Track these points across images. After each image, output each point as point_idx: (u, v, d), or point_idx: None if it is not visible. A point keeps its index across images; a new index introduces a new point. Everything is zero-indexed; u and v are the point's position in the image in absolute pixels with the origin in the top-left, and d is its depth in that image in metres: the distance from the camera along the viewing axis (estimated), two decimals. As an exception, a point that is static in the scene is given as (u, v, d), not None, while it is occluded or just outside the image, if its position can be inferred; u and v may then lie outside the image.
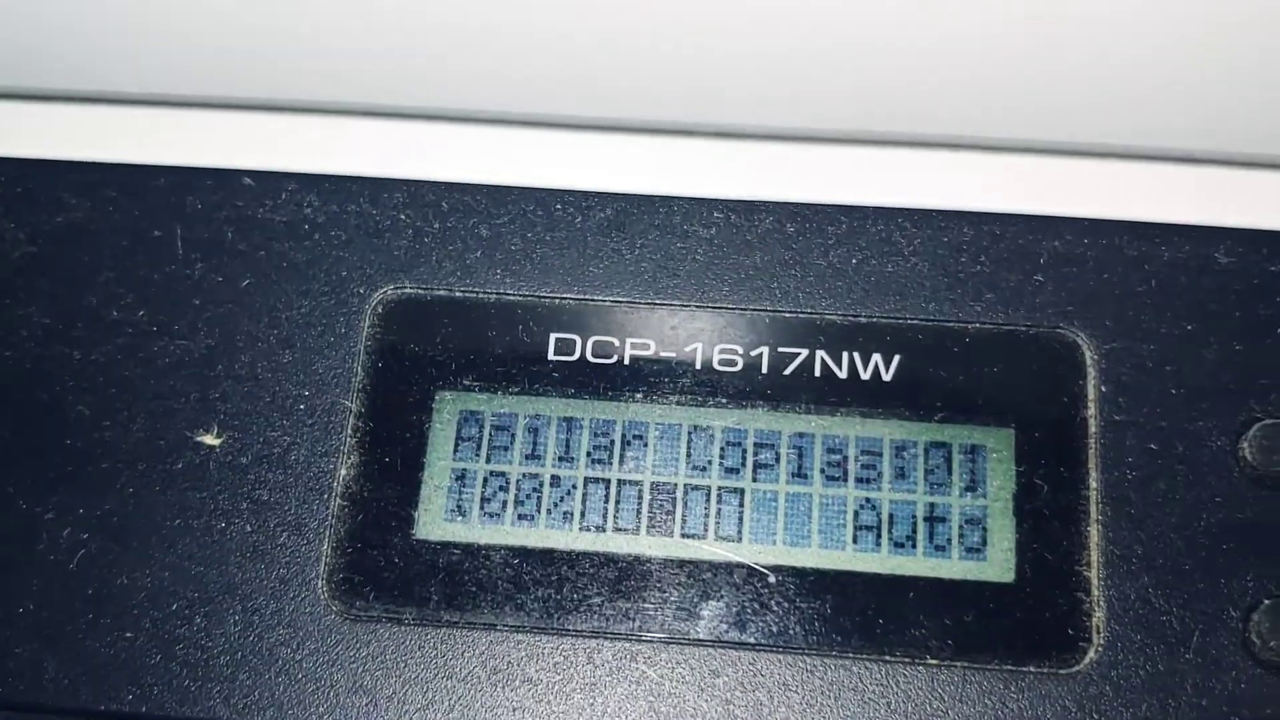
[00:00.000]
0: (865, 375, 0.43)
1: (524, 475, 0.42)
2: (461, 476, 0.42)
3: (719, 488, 0.41)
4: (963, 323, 0.43)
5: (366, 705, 0.39)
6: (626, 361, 0.43)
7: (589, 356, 0.43)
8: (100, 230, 0.45)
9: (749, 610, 0.40)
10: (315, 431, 0.42)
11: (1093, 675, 0.39)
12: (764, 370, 0.43)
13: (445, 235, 0.44)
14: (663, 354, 0.43)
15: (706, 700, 0.39)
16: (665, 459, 0.42)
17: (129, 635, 0.40)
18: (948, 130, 0.45)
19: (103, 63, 0.46)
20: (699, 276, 0.44)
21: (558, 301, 0.44)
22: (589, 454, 0.42)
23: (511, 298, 0.44)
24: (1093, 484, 0.41)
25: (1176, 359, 0.42)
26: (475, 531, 0.41)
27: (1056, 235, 0.44)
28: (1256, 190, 0.45)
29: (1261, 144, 0.44)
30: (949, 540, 0.41)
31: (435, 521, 0.41)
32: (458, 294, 0.44)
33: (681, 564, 0.41)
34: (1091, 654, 0.39)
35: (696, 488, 0.41)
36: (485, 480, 0.42)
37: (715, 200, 0.45)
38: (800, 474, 0.41)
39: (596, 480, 0.42)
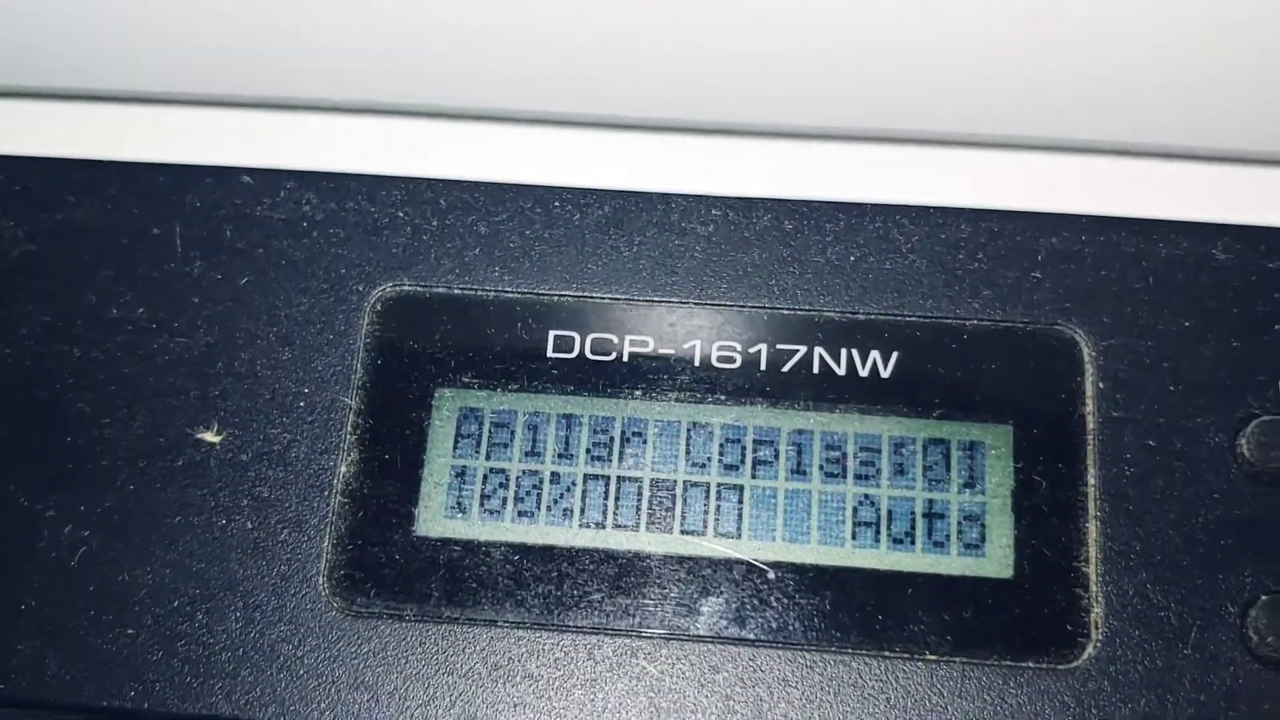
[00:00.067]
0: (864, 372, 0.43)
1: (524, 472, 0.42)
2: (461, 473, 0.42)
3: (718, 484, 0.42)
4: (961, 319, 0.43)
5: (368, 701, 0.40)
6: (625, 358, 0.43)
7: (588, 353, 0.43)
8: (100, 228, 0.45)
9: (748, 606, 0.40)
10: (315, 428, 0.42)
11: (1091, 670, 0.39)
12: (763, 367, 0.43)
13: (444, 232, 0.45)
14: (661, 351, 0.43)
15: (706, 696, 0.39)
16: (664, 456, 0.42)
17: (130, 632, 0.40)
18: (945, 127, 0.45)
19: (102, 61, 0.46)
20: (697, 273, 0.44)
21: (556, 298, 0.44)
22: (588, 451, 0.42)
23: (510, 295, 0.44)
24: (1091, 480, 0.41)
25: (1174, 355, 0.42)
26: (475, 528, 0.41)
27: (1054, 232, 0.44)
28: (1254, 187, 0.45)
29: (1259, 140, 0.45)
30: (948, 536, 0.41)
31: (435, 518, 0.41)
32: (456, 291, 0.44)
33: (681, 560, 0.41)
34: (1090, 649, 0.40)
35: (696, 484, 0.42)
36: (485, 477, 0.42)
37: (713, 197, 0.45)
38: (799, 470, 0.42)
39: (596, 477, 0.42)
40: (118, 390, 0.43)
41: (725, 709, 0.39)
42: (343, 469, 0.42)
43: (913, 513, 0.41)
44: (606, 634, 0.40)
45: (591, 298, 0.44)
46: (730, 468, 0.42)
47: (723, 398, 0.42)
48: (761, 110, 0.45)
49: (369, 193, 0.45)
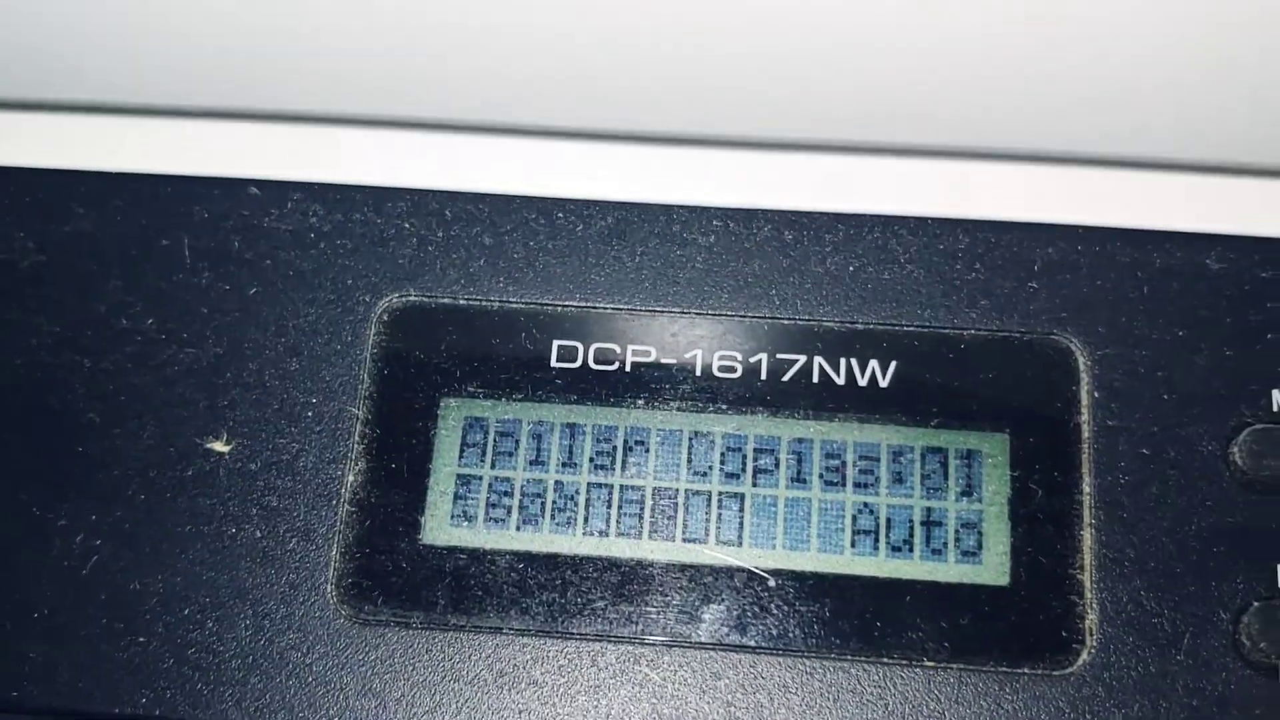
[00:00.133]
0: (863, 381, 0.43)
1: (528, 481, 0.42)
2: (467, 482, 0.42)
3: (719, 493, 0.42)
4: (958, 329, 0.44)
5: (375, 708, 0.40)
6: (628, 368, 0.44)
7: (591, 363, 0.44)
8: (108, 239, 0.45)
9: (749, 613, 0.41)
10: (323, 438, 0.43)
11: (1086, 676, 0.40)
12: (763, 376, 0.43)
13: (449, 244, 0.45)
14: (663, 360, 0.44)
15: (708, 702, 0.40)
16: (667, 464, 0.42)
17: (141, 640, 0.41)
18: (943, 140, 0.45)
19: (110, 74, 0.46)
20: (699, 283, 0.44)
21: (560, 309, 0.44)
22: (592, 460, 0.42)
23: (515, 305, 0.44)
24: (1086, 488, 0.42)
25: (1168, 364, 0.43)
26: (481, 536, 0.42)
27: (1050, 242, 0.44)
28: (1248, 197, 0.46)
29: (1253, 152, 0.45)
30: (945, 544, 0.41)
31: (441, 527, 0.42)
32: (462, 302, 0.44)
33: (683, 568, 0.41)
34: (1085, 656, 0.40)
35: (697, 493, 0.42)
36: (490, 486, 0.42)
37: (714, 208, 0.45)
38: (799, 479, 0.42)
39: (599, 485, 0.42)
40: (127, 400, 0.43)
41: (726, 715, 0.40)
42: (350, 478, 0.42)
43: (911, 520, 0.42)
44: (610, 641, 0.41)
45: (595, 308, 0.44)
46: (731, 476, 0.42)
47: (724, 407, 0.43)
48: (761, 122, 0.46)
49: (375, 204, 0.46)
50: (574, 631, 0.41)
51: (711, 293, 0.44)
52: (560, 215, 0.45)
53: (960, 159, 0.46)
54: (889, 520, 0.42)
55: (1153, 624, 0.40)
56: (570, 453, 0.43)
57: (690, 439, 0.43)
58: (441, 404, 0.43)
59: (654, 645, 0.41)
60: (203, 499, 0.42)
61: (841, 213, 0.45)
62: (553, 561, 0.41)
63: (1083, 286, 0.44)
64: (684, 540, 0.42)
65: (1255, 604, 0.40)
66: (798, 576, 0.41)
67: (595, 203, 0.45)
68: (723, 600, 0.41)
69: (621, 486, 0.42)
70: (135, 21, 0.43)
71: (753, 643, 0.41)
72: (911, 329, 0.44)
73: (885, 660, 0.40)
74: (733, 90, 0.44)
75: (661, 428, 0.43)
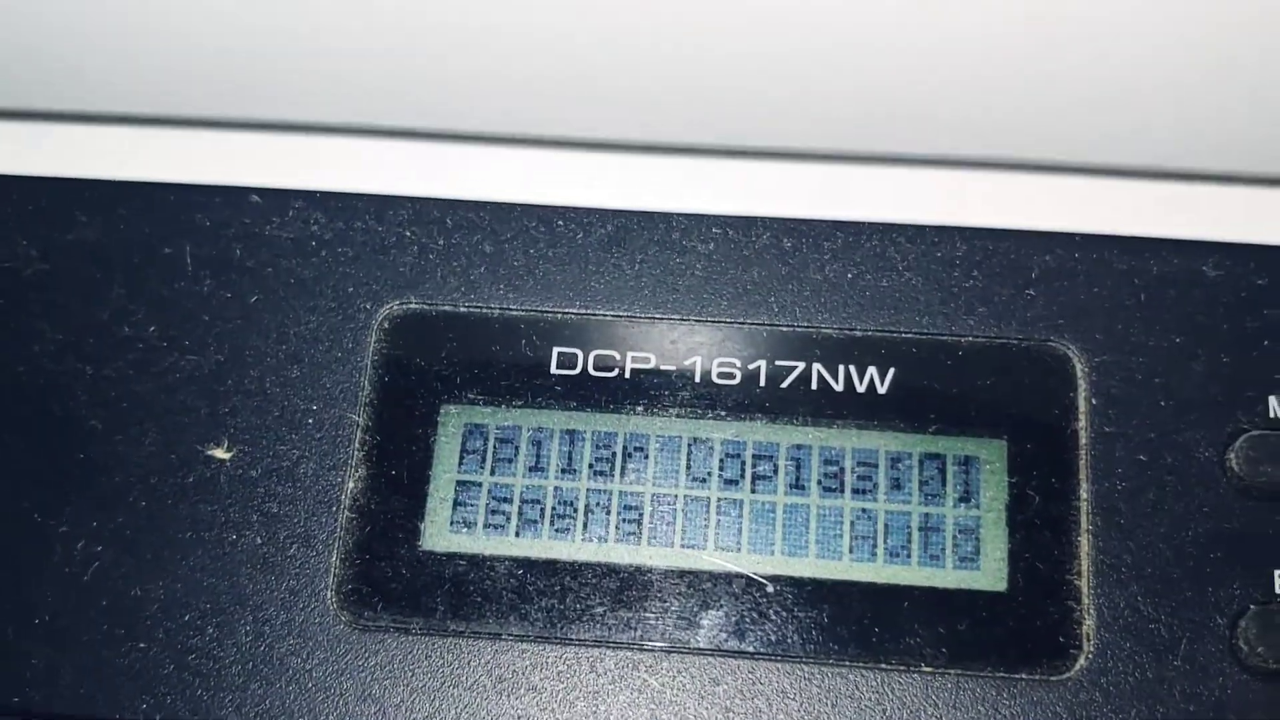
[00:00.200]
0: (861, 388, 0.43)
1: (527, 487, 0.42)
2: (466, 488, 0.42)
3: (718, 499, 0.42)
4: (956, 336, 0.44)
5: (375, 713, 0.40)
6: (627, 375, 0.44)
7: (590, 370, 0.44)
8: (111, 247, 0.46)
9: (748, 619, 0.41)
10: (323, 445, 0.43)
11: (1083, 682, 0.40)
12: (762, 383, 0.43)
13: (449, 251, 0.45)
14: (663, 367, 0.44)
15: (707, 708, 0.40)
16: (665, 471, 0.43)
17: (142, 645, 0.41)
18: (941, 149, 0.46)
19: (112, 83, 0.46)
20: (698, 291, 0.45)
21: (560, 316, 0.44)
22: (591, 466, 0.43)
23: (514, 312, 0.45)
24: (1083, 494, 0.42)
25: (1165, 371, 0.43)
26: (480, 543, 0.42)
27: (1048, 250, 0.44)
28: (1244, 205, 0.46)
29: (1248, 160, 0.45)
30: (943, 550, 0.41)
31: (441, 533, 0.42)
32: (462, 309, 0.45)
33: (682, 574, 0.41)
34: (1082, 661, 0.40)
35: (696, 499, 0.42)
36: (489, 492, 0.42)
37: (713, 216, 0.45)
38: (798, 485, 0.42)
39: (598, 492, 0.42)
40: (129, 407, 0.44)
41: (725, 720, 0.40)
42: (350, 485, 0.43)
43: (909, 526, 0.42)
44: (609, 647, 0.41)
45: (594, 315, 0.44)
46: (730, 482, 0.42)
47: (723, 413, 0.43)
48: (760, 131, 0.46)
49: (376, 212, 0.46)
50: (573, 637, 0.41)
51: (711, 300, 0.44)
52: (560, 223, 0.45)
53: (958, 167, 0.47)
54: (887, 526, 0.42)
55: (1150, 629, 0.40)
56: (570, 459, 0.43)
57: (689, 445, 0.43)
58: (441, 411, 0.43)
59: (653, 651, 0.41)
60: (204, 505, 0.42)
61: (840, 220, 0.45)
62: (552, 567, 0.42)
63: (1080, 294, 0.44)
64: (683, 546, 0.42)
65: (1252, 608, 0.40)
66: (796, 582, 0.41)
67: (595, 210, 0.46)
68: (721, 606, 0.41)
69: (621, 493, 0.42)
70: (137, 31, 0.43)
71: (751, 648, 0.41)
72: (909, 336, 0.44)
73: (883, 666, 0.40)
74: (731, 99, 0.44)
75: (661, 434, 0.43)
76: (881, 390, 0.43)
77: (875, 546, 0.41)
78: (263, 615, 0.41)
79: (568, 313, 0.44)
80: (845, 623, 0.41)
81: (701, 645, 0.41)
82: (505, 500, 0.42)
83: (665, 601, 0.41)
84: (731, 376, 0.44)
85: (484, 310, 0.45)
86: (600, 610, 0.41)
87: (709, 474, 0.42)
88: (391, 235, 0.45)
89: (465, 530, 0.42)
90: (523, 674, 0.40)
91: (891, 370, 0.43)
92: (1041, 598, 0.41)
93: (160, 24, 0.43)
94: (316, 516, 0.42)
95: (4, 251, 0.46)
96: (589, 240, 0.45)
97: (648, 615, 0.41)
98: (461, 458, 0.43)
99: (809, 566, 0.41)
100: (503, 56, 0.43)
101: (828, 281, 0.44)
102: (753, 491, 0.42)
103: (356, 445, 0.43)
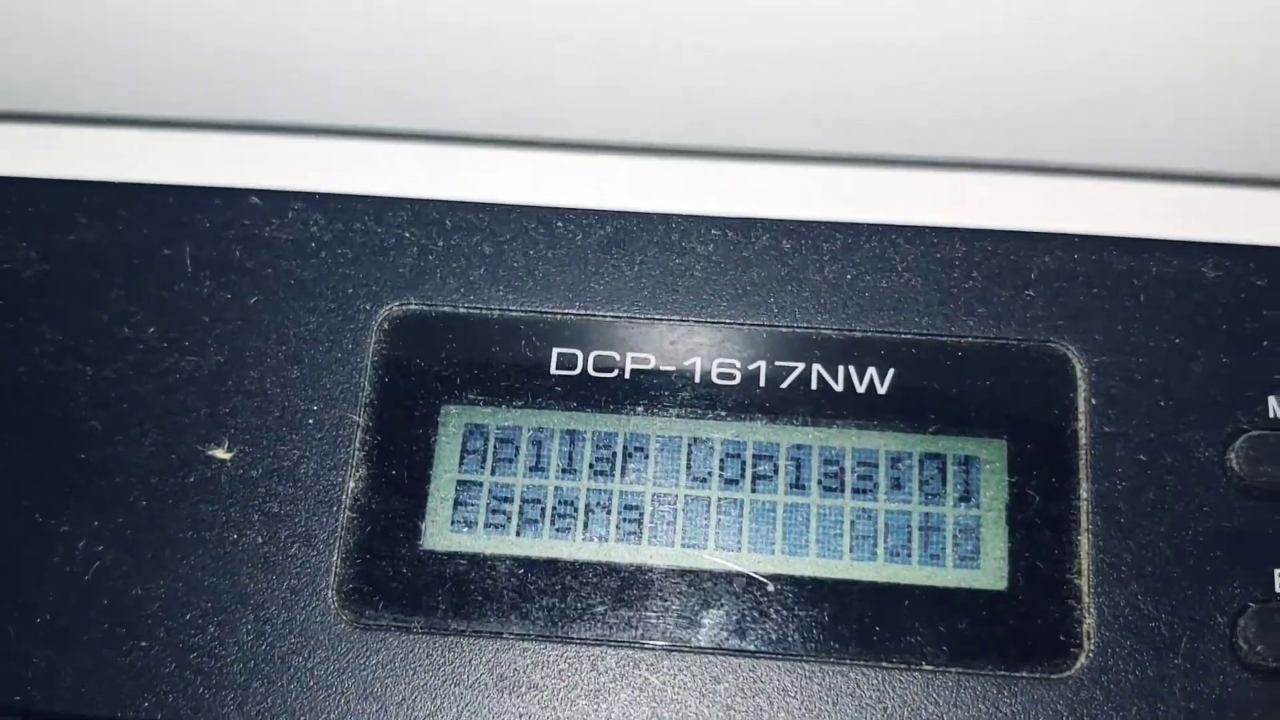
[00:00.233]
0: (861, 388, 0.43)
1: (528, 487, 0.42)
2: (467, 488, 0.42)
3: (719, 499, 0.42)
4: (956, 337, 0.44)
5: (376, 712, 0.40)
6: (627, 375, 0.44)
7: (590, 371, 0.44)
8: (111, 249, 0.46)
9: (749, 618, 0.41)
10: (324, 445, 0.43)
11: (1084, 680, 0.40)
12: (762, 383, 0.44)
13: (449, 253, 0.45)
14: (663, 368, 0.44)
15: (708, 706, 0.40)
16: (666, 471, 0.43)
17: (144, 645, 0.41)
18: (940, 150, 0.46)
19: (112, 85, 0.46)
20: (697, 292, 0.45)
21: (559, 317, 0.45)
22: (591, 466, 0.43)
23: (514, 313, 0.45)
24: (1083, 494, 0.42)
25: (1165, 371, 0.43)
26: (481, 542, 0.42)
27: (1047, 251, 0.45)
28: (1242, 206, 0.46)
29: (1247, 161, 0.45)
30: (943, 549, 0.41)
31: (442, 532, 0.42)
32: (462, 310, 0.45)
33: (682, 573, 0.41)
34: (1082, 659, 0.40)
35: (696, 499, 0.42)
36: (490, 492, 0.42)
37: (713, 218, 0.46)
38: (798, 485, 0.42)
39: (599, 492, 0.42)
40: (130, 408, 0.44)
41: (726, 718, 0.40)
42: (351, 484, 0.43)
43: (909, 526, 0.42)
44: (610, 645, 0.41)
45: (594, 316, 0.44)
46: (730, 482, 0.42)
47: (723, 414, 0.43)
48: (759, 133, 0.46)
49: (376, 214, 0.46)
50: (574, 636, 0.41)
51: (710, 301, 0.45)
52: (560, 224, 0.46)
53: (957, 169, 0.47)
54: (887, 525, 0.42)
55: (1150, 628, 0.40)
56: (570, 459, 0.43)
57: (689, 445, 0.43)
58: (442, 411, 0.43)
59: (654, 649, 0.41)
60: (204, 505, 0.42)
61: (839, 222, 0.45)
62: (553, 567, 0.42)
63: (1079, 294, 0.44)
64: (683, 546, 0.42)
65: (1252, 607, 0.40)
66: (796, 581, 0.41)
67: (594, 212, 0.46)
68: (722, 605, 0.41)
69: (621, 492, 0.42)
70: (137, 33, 0.43)
71: (752, 647, 0.41)
72: (909, 337, 0.44)
73: (884, 664, 0.40)
74: (731, 101, 0.44)
75: (661, 434, 0.43)
76: (881, 391, 0.43)
77: (875, 546, 0.42)
78: (264, 614, 0.41)
79: (567, 313, 0.44)
80: (846, 621, 0.41)
81: (702, 644, 0.41)
82: (506, 500, 0.42)
83: (666, 600, 0.41)
84: (731, 377, 0.44)
85: (484, 311, 0.45)
86: (601, 609, 0.41)
87: (709, 474, 0.42)
88: (391, 236, 0.45)
89: (466, 530, 0.42)
90: (524, 672, 0.40)
91: (891, 371, 0.43)
92: (1042, 597, 0.41)
93: (160, 25, 0.43)
94: (317, 516, 0.42)
95: (4, 253, 0.46)
96: (588, 241, 0.45)
97: (649, 614, 0.41)
98: (462, 458, 0.43)
99: (809, 566, 0.41)
100: (502, 58, 0.43)
101: (827, 282, 0.45)
102: (753, 491, 0.42)
103: (357, 445, 0.43)
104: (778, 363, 0.44)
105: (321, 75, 0.45)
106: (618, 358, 0.44)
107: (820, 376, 0.43)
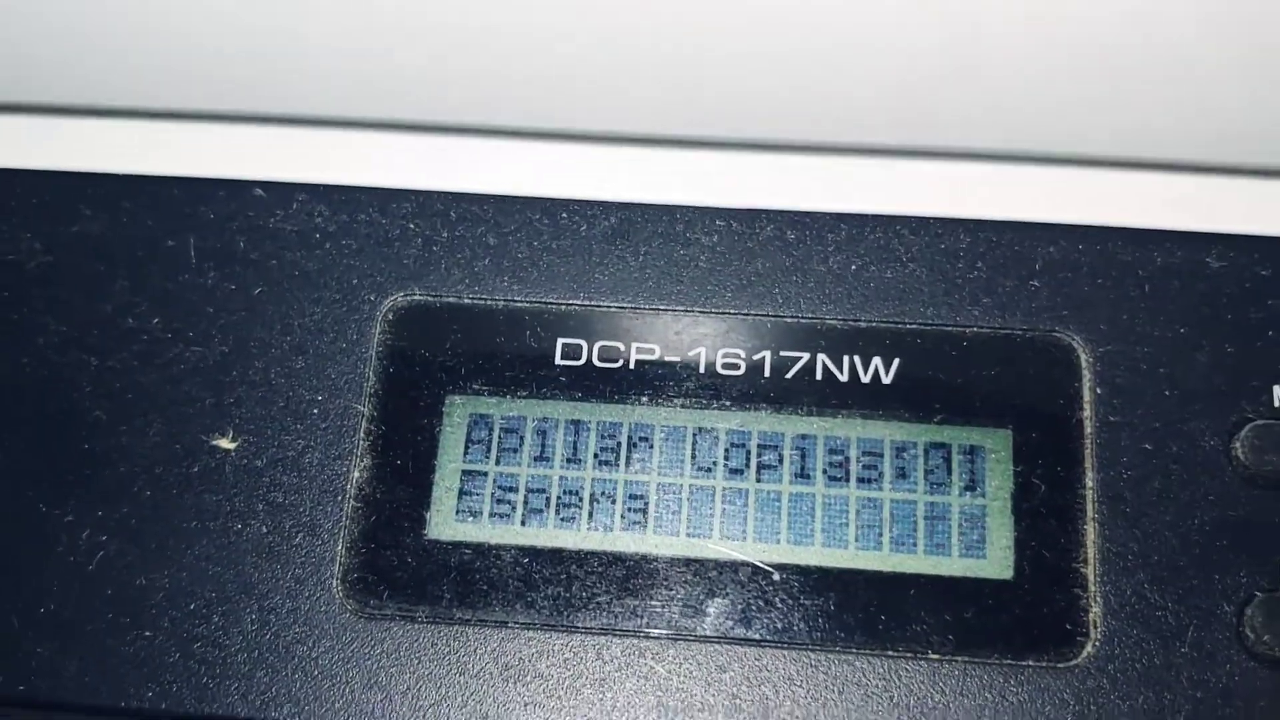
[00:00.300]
0: (866, 378, 0.43)
1: (533, 477, 0.42)
2: (472, 478, 0.42)
3: (724, 488, 0.42)
4: (961, 327, 0.44)
5: (381, 701, 0.40)
6: (632, 366, 0.44)
7: (595, 361, 0.44)
8: (115, 240, 0.46)
9: (754, 607, 0.41)
10: (329, 435, 0.43)
11: (1090, 669, 0.40)
12: (766, 374, 0.43)
13: (454, 244, 0.45)
14: (667, 358, 0.44)
15: (713, 695, 0.40)
16: (671, 460, 0.43)
17: (148, 634, 0.41)
18: (944, 140, 0.46)
19: (116, 77, 0.46)
20: (702, 282, 0.45)
21: (564, 307, 0.44)
22: (596, 456, 0.43)
23: (519, 304, 0.45)
24: (1089, 483, 0.42)
25: (1170, 361, 0.43)
26: (486, 531, 0.42)
27: (1052, 241, 0.45)
28: (1247, 197, 0.46)
29: (1252, 151, 0.45)
30: (949, 538, 0.41)
31: (447, 522, 0.42)
32: (466, 301, 0.45)
33: (688, 563, 0.41)
34: (1089, 648, 0.40)
35: (701, 488, 0.42)
36: (495, 482, 0.42)
37: (717, 209, 0.46)
38: (803, 474, 0.42)
39: (603, 481, 0.42)
40: (134, 399, 0.44)
41: (732, 708, 0.40)
42: (356, 474, 0.43)
43: (914, 516, 0.42)
44: (615, 634, 0.41)
45: (599, 306, 0.44)
46: (735, 472, 0.42)
47: (727, 403, 0.43)
48: (764, 124, 0.46)
49: (380, 205, 0.46)
50: (579, 625, 0.41)
51: (715, 291, 0.44)
52: (564, 215, 0.46)
53: (962, 160, 0.47)
54: (893, 515, 0.42)
55: (1156, 617, 0.40)
56: (575, 449, 0.43)
57: (694, 435, 0.43)
58: (447, 401, 0.43)
59: (659, 639, 0.41)
60: (209, 495, 0.42)
61: (844, 213, 0.45)
62: (557, 556, 0.42)
63: (1084, 285, 0.44)
64: (688, 535, 0.42)
65: (1259, 596, 0.40)
66: (802, 571, 0.41)
67: (599, 203, 0.46)
68: (727, 594, 0.41)
69: (626, 482, 0.42)
70: (141, 24, 0.44)
71: (757, 636, 0.41)
72: (914, 327, 0.44)
73: (890, 653, 0.40)
74: (735, 92, 0.44)
75: (666, 424, 0.43)
76: (886, 381, 0.43)
77: (881, 535, 0.41)
78: (268, 604, 0.41)
79: (572, 304, 0.44)
80: (852, 610, 0.41)
81: (708, 633, 0.41)
82: (510, 489, 0.42)
83: (671, 589, 0.41)
84: (736, 367, 0.44)
85: (488, 302, 0.45)
86: (606, 598, 0.41)
87: (714, 463, 0.42)
88: (395, 228, 0.45)
89: (471, 519, 0.42)
90: (529, 661, 0.40)
91: (896, 361, 0.43)
92: (1048, 586, 0.41)
93: (164, 17, 0.43)
94: (322, 506, 0.42)
95: (9, 245, 0.46)
96: (593, 232, 0.45)
97: (653, 603, 0.41)
98: (467, 447, 0.43)
99: (815, 555, 0.41)
100: (507, 50, 0.43)
101: (832, 273, 0.45)
102: (758, 481, 0.42)
103: (362, 435, 0.43)
104: (783, 353, 0.44)
105: (326, 66, 0.45)
106: (622, 348, 0.44)
107: (825, 366, 0.43)
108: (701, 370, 0.44)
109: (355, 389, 0.43)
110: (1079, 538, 0.41)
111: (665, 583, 0.41)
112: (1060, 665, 0.40)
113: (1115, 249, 0.44)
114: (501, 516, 0.42)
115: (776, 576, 0.41)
